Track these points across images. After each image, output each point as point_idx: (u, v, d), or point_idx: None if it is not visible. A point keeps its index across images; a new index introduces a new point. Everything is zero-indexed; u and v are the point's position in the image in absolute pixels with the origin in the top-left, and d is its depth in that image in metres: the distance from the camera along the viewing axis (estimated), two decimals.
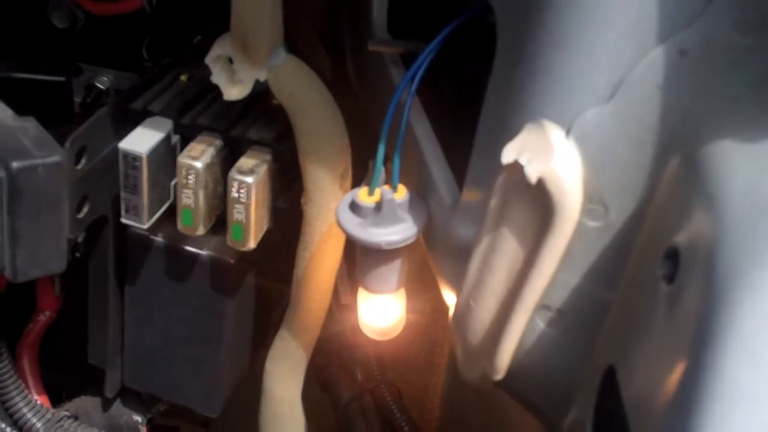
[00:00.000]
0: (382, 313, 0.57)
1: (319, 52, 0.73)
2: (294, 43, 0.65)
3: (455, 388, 0.80)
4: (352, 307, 0.63)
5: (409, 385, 0.80)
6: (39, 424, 0.69)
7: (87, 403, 0.74)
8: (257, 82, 0.57)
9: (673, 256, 0.34)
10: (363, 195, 0.52)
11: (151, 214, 0.60)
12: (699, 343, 0.31)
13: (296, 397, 0.67)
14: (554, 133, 0.40)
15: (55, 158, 0.54)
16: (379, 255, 0.53)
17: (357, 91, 0.69)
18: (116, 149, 0.59)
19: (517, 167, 0.40)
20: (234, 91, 0.57)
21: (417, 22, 0.60)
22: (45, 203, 0.54)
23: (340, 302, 0.75)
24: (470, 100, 0.51)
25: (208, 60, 0.56)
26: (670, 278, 0.34)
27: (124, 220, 0.61)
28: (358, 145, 0.61)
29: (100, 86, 0.74)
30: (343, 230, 0.53)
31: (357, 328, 0.77)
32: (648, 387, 0.35)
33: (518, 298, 0.43)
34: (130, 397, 0.74)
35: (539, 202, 0.40)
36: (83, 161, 0.58)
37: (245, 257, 0.63)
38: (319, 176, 0.57)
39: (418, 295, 0.63)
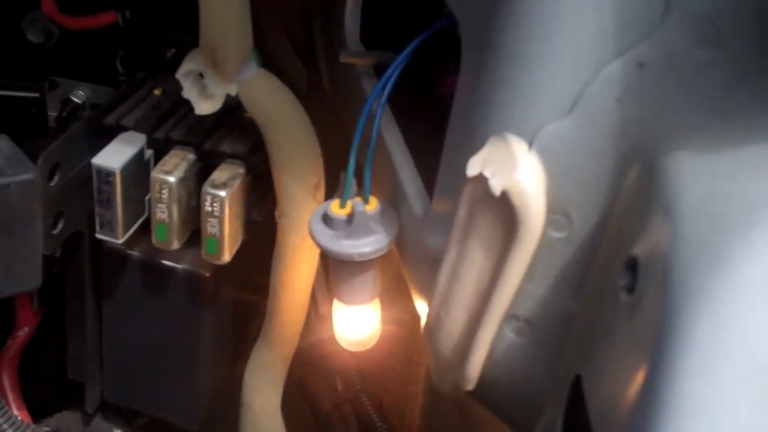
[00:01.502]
0: (357, 324, 0.57)
1: (294, 62, 0.74)
2: (269, 54, 0.65)
3: (434, 396, 0.80)
4: (330, 317, 0.64)
5: (389, 394, 0.81)
6: None
7: (68, 417, 0.74)
8: (229, 95, 0.57)
9: (632, 266, 0.35)
10: (335, 207, 0.53)
11: (126, 228, 0.61)
12: (656, 355, 0.31)
13: (275, 408, 0.68)
14: (517, 146, 0.40)
15: (28, 176, 0.54)
16: (352, 266, 0.54)
17: (331, 101, 0.69)
18: (90, 165, 0.59)
19: (482, 180, 0.41)
20: (205, 106, 0.57)
21: (390, 32, 0.61)
22: (19, 220, 0.55)
23: (319, 312, 0.75)
24: (442, 109, 0.51)
25: (179, 75, 0.56)
26: (630, 288, 0.35)
27: (99, 236, 0.61)
28: (334, 154, 0.61)
29: (76, 100, 0.74)
30: (316, 243, 0.53)
31: (335, 339, 0.77)
32: (610, 397, 0.35)
33: (486, 309, 0.44)
34: (111, 411, 0.74)
35: (504, 213, 0.41)
36: (57, 177, 0.58)
37: (221, 270, 0.63)
38: (291, 189, 0.58)
39: (394, 305, 0.63)
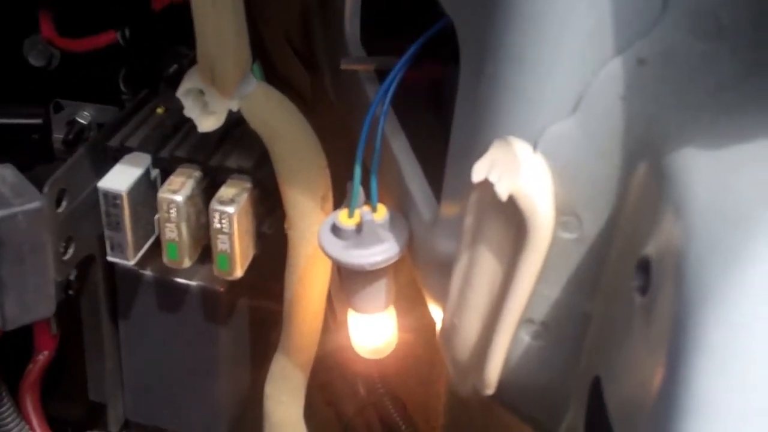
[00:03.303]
0: (373, 332, 0.57)
1: (297, 69, 0.73)
2: (271, 63, 0.65)
3: (458, 396, 0.80)
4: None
5: (412, 396, 0.80)
6: None
7: None
8: (231, 110, 0.57)
9: (645, 267, 0.34)
10: (343, 217, 0.52)
11: (137, 249, 0.61)
12: (673, 356, 0.31)
13: (297, 418, 0.67)
14: (521, 148, 0.39)
15: (35, 204, 0.54)
16: (364, 276, 0.53)
17: (336, 107, 0.69)
18: (97, 188, 0.59)
19: (487, 185, 0.40)
20: (208, 123, 0.57)
21: (391, 35, 0.60)
22: (28, 250, 0.55)
23: (337, 319, 0.75)
24: (447, 112, 0.50)
25: (179, 94, 0.56)
26: (644, 290, 0.34)
27: (110, 258, 0.61)
28: (341, 160, 0.61)
29: (81, 121, 0.74)
30: (326, 254, 0.52)
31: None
32: (630, 398, 0.35)
33: (501, 314, 0.43)
34: (134, 430, 0.74)
35: (512, 218, 0.40)
36: (64, 204, 0.58)
37: (235, 284, 0.63)
38: (299, 201, 0.57)
39: (410, 312, 0.62)
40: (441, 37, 0.52)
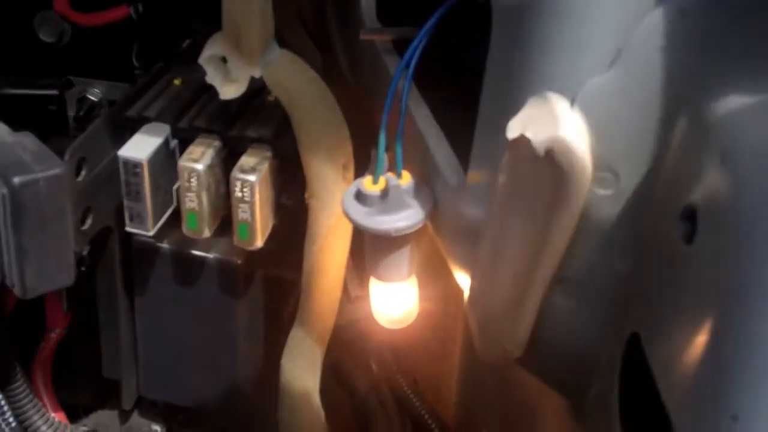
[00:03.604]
0: (395, 301, 0.57)
1: (308, 46, 0.73)
2: (283, 39, 0.64)
3: (471, 372, 0.79)
4: (362, 299, 0.63)
5: (424, 374, 0.80)
6: None
7: (105, 416, 0.74)
8: (251, 79, 0.57)
9: (690, 216, 0.34)
10: (368, 184, 0.52)
11: (156, 220, 0.60)
12: (727, 300, 0.31)
13: (314, 391, 0.67)
14: (559, 104, 0.39)
15: (56, 171, 0.54)
16: (388, 243, 0.53)
17: (351, 83, 0.68)
18: (115, 158, 0.59)
19: (523, 141, 0.40)
20: (230, 90, 0.56)
21: (406, 7, 0.60)
22: (48, 217, 0.54)
23: (350, 296, 0.75)
24: (467, 80, 0.50)
25: (202, 60, 0.56)
26: (689, 238, 0.34)
27: (128, 229, 0.60)
28: (355, 137, 0.61)
29: (92, 98, 0.74)
30: (351, 220, 0.52)
31: (368, 321, 0.77)
32: (677, 351, 0.34)
33: (533, 273, 0.43)
34: (148, 407, 0.74)
35: (548, 174, 0.40)
36: (83, 172, 0.58)
37: (253, 257, 0.63)
38: (321, 169, 0.57)
39: (427, 285, 0.62)
40: (461, 5, 0.52)
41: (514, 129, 0.41)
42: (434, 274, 0.59)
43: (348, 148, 0.59)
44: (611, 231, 0.41)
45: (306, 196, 0.59)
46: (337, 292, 0.63)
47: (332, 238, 0.60)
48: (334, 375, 0.79)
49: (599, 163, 0.40)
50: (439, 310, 0.77)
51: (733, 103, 0.35)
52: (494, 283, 0.46)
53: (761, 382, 0.30)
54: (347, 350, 0.78)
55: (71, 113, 0.73)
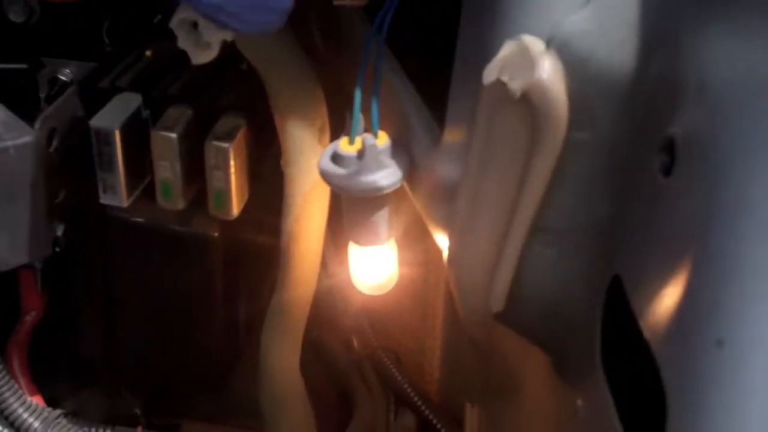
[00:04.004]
0: (374, 266, 0.56)
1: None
2: None
3: (452, 347, 0.79)
4: (340, 275, 0.63)
5: (406, 350, 0.80)
6: (36, 423, 0.68)
7: (83, 399, 0.73)
8: (225, 43, 0.56)
9: (668, 147, 0.34)
10: (344, 144, 0.52)
11: (130, 192, 0.59)
12: (708, 226, 0.30)
13: (294, 366, 0.67)
14: (534, 45, 0.39)
15: (27, 139, 0.53)
16: (366, 205, 0.53)
17: (325, 57, 0.68)
18: (87, 131, 0.58)
19: (499, 85, 0.40)
20: (202, 55, 0.55)
21: None
22: (19, 186, 0.53)
23: (328, 271, 0.74)
24: (443, 41, 0.50)
25: (173, 25, 0.55)
26: (668, 170, 0.34)
27: (102, 201, 0.60)
28: (331, 108, 0.60)
29: (63, 78, 0.72)
30: (328, 182, 0.52)
31: (348, 297, 0.76)
32: (658, 285, 0.34)
33: (512, 222, 0.43)
34: (127, 388, 0.73)
35: (525, 117, 0.40)
36: (55, 143, 0.57)
37: (228, 230, 0.62)
38: (296, 133, 0.56)
39: (407, 253, 0.62)
40: None
41: (490, 74, 0.40)
42: (414, 242, 0.59)
43: (323, 110, 0.58)
44: (590, 175, 0.41)
45: (282, 163, 0.58)
46: (315, 262, 0.62)
47: (309, 206, 0.59)
48: (315, 352, 0.78)
49: (576, 105, 0.39)
50: (420, 285, 0.77)
51: (709, 35, 0.34)
52: (473, 237, 0.45)
53: (747, 305, 0.29)
54: (328, 327, 0.78)
55: (42, 94, 0.72)
